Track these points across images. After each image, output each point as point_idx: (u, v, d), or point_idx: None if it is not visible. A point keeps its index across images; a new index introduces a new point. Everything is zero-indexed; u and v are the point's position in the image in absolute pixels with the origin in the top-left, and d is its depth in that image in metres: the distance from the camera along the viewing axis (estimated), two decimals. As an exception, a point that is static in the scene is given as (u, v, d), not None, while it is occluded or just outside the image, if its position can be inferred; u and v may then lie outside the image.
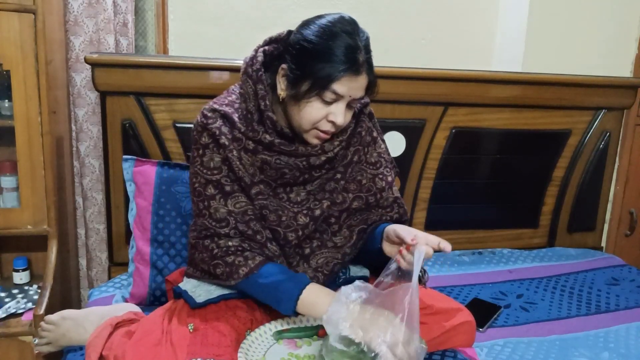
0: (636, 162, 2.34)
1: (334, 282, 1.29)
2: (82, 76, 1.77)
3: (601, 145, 2.08)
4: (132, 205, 1.59)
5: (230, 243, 1.15)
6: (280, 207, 1.20)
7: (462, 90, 1.85)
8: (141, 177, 1.56)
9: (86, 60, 1.55)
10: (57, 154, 1.81)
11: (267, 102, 1.13)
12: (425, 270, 1.39)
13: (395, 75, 1.78)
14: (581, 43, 2.14)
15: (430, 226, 1.97)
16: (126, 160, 1.59)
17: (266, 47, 1.16)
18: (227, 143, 1.15)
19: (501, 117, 1.94)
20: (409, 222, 1.90)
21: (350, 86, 1.07)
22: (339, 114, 1.09)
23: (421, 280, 1.36)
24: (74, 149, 1.84)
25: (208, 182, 1.16)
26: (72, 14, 1.72)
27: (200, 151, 1.17)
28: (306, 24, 1.10)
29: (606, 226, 2.31)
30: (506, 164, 2.00)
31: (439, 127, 1.89)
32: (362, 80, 1.09)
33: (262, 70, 1.13)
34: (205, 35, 1.89)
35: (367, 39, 1.10)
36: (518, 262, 1.91)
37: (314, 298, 1.08)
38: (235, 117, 1.16)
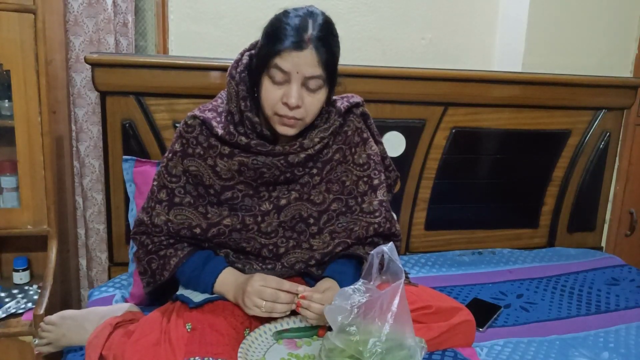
0: (636, 162, 2.34)
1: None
2: (82, 76, 1.77)
3: (601, 145, 2.08)
4: (132, 206, 1.59)
5: (163, 238, 1.23)
6: (256, 204, 1.21)
7: (462, 90, 1.85)
8: (141, 177, 1.56)
9: (86, 60, 1.55)
10: (57, 154, 1.80)
11: (248, 103, 1.15)
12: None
13: (395, 75, 1.78)
14: (581, 43, 2.14)
15: (430, 226, 1.97)
16: (126, 160, 1.59)
17: (252, 51, 1.18)
18: (202, 152, 1.18)
19: (501, 117, 1.94)
20: (408, 224, 1.93)
21: (294, 62, 1.07)
22: (291, 95, 1.09)
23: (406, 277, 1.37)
24: (74, 149, 1.84)
25: (164, 186, 1.22)
26: (72, 14, 1.72)
27: (170, 155, 1.22)
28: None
29: (606, 226, 2.31)
30: (506, 164, 2.00)
31: (439, 127, 1.88)
32: (308, 56, 1.07)
33: (246, 72, 1.15)
34: (205, 35, 1.89)
35: (323, 20, 1.11)
36: (518, 262, 1.91)
37: (223, 288, 1.18)
38: (215, 122, 1.18)
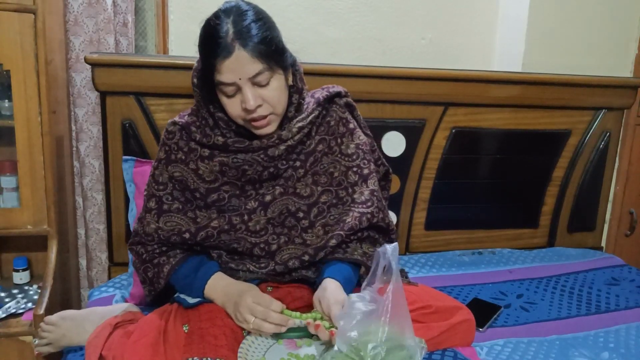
0: (636, 162, 2.34)
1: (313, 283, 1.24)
2: (82, 76, 1.77)
3: (601, 145, 2.08)
4: (132, 206, 1.60)
5: (155, 246, 1.23)
6: (242, 204, 1.21)
7: (462, 90, 1.85)
8: (141, 177, 1.56)
9: (86, 60, 1.55)
10: (57, 154, 1.80)
11: (217, 104, 1.15)
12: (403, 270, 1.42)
13: (395, 75, 1.78)
14: (581, 43, 2.14)
15: (430, 226, 1.97)
16: (126, 160, 1.59)
17: None
18: (183, 157, 1.20)
19: (501, 117, 1.94)
20: (408, 224, 1.93)
21: (230, 70, 1.05)
22: (248, 99, 1.08)
23: (405, 276, 1.38)
24: (74, 149, 1.84)
25: (153, 195, 1.23)
26: (72, 14, 1.72)
27: (156, 163, 1.24)
28: None
29: (606, 226, 2.31)
30: (506, 164, 2.00)
31: (439, 127, 1.88)
32: (240, 57, 1.05)
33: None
34: (205, 35, 1.89)
35: (238, 11, 1.07)
36: (518, 262, 1.91)
37: (212, 293, 1.17)
38: (194, 127, 1.19)
